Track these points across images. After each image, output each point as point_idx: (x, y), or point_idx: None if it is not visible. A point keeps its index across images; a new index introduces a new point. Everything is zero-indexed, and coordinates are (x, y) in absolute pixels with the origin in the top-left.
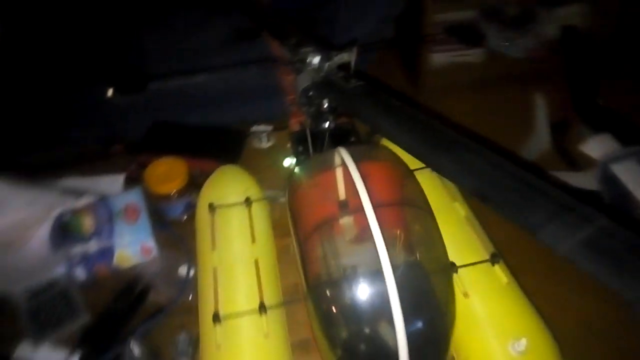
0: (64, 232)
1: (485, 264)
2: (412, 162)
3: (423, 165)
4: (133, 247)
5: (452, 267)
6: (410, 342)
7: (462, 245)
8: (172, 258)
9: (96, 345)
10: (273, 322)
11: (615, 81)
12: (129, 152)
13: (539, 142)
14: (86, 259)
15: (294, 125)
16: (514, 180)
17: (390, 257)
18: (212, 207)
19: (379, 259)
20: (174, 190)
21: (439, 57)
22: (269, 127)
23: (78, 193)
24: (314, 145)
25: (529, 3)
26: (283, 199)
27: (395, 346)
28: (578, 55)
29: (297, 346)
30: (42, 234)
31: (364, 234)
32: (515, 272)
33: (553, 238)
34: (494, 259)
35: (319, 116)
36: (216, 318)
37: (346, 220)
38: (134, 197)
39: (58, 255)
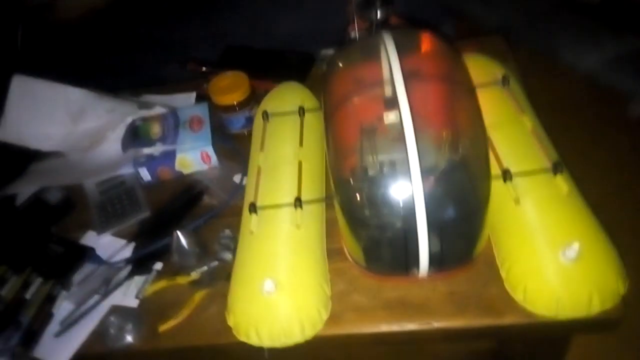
0: (134, 136)
1: (546, 174)
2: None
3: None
4: (193, 153)
5: (506, 174)
6: (430, 239)
7: (523, 156)
8: (229, 167)
9: (150, 237)
10: (308, 216)
11: None
12: (202, 72)
13: None
14: (150, 161)
15: (352, 30)
16: (540, 9)
17: (419, 152)
18: (265, 114)
19: (407, 154)
20: (235, 102)
21: None
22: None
23: (153, 106)
24: None
25: None
26: None
27: (416, 241)
28: None
29: (335, 252)
30: (116, 136)
31: (395, 127)
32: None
33: (579, 56)
34: (556, 169)
35: (367, 4)
36: (252, 208)
37: (376, 109)
38: (200, 110)
39: (126, 156)
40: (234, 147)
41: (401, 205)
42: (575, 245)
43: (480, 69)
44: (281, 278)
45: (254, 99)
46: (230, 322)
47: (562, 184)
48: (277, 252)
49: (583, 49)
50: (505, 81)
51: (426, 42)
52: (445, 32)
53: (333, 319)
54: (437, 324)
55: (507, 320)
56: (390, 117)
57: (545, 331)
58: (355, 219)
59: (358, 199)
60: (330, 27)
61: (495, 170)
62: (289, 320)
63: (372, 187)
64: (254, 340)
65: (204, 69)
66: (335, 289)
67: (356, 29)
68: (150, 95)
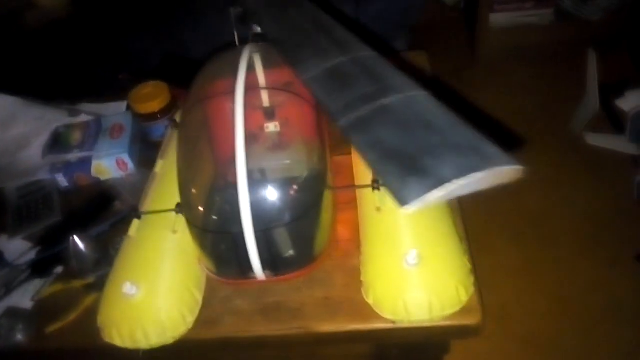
0: (55, 142)
1: None
2: None
3: None
4: (109, 159)
5: (375, 183)
6: (259, 244)
7: None
8: (146, 175)
9: (55, 241)
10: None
11: None
12: (136, 81)
13: (589, 104)
14: (67, 167)
15: None
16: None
17: (247, 158)
18: (175, 123)
19: (236, 158)
20: (156, 110)
21: (501, 17)
22: None
23: (81, 114)
24: None
25: None
26: None
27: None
28: None
29: None
30: (39, 142)
31: (229, 133)
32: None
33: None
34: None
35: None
36: (134, 213)
37: (219, 118)
38: (123, 118)
39: (45, 162)
40: (152, 153)
41: (230, 212)
42: (414, 252)
43: None
44: (147, 281)
45: (175, 107)
46: (98, 323)
47: None
48: (149, 256)
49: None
50: None
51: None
52: (395, 47)
53: (211, 322)
54: (309, 328)
55: (370, 325)
56: (226, 127)
57: (401, 336)
58: (195, 227)
59: (199, 208)
60: None
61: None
62: (149, 323)
63: (209, 194)
64: (117, 341)
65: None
66: (219, 295)
67: (237, 41)
68: (86, 104)
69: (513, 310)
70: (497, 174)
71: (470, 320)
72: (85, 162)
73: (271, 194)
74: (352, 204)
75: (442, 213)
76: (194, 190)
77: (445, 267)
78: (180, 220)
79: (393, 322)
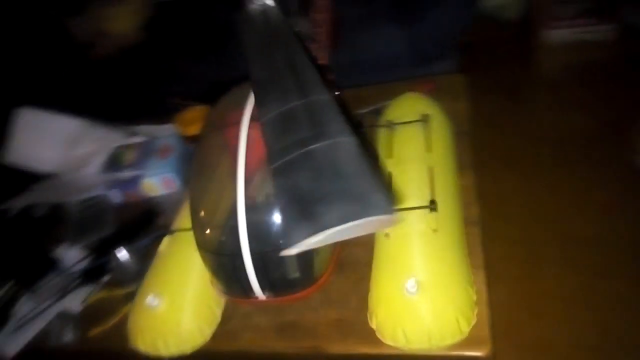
0: (112, 161)
1: (422, 211)
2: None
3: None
4: (157, 178)
5: None
6: (256, 266)
7: (410, 192)
8: None
9: (105, 252)
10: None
11: None
12: (186, 104)
13: None
14: (121, 184)
15: None
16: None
17: (247, 188)
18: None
19: (237, 189)
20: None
21: (560, 34)
22: None
23: (137, 134)
24: None
25: None
26: None
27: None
28: None
29: None
30: (99, 161)
31: (233, 163)
32: None
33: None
34: (431, 206)
35: None
36: (166, 230)
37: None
38: (172, 139)
39: (102, 179)
40: None
41: (230, 236)
42: (413, 280)
43: (408, 108)
44: (170, 295)
45: None
46: (128, 331)
47: (432, 221)
48: (174, 272)
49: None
50: (425, 119)
51: None
52: (444, 69)
53: (230, 335)
54: (320, 348)
55: (378, 350)
56: (230, 156)
57: None
58: (202, 249)
59: (204, 231)
60: None
61: None
62: (169, 333)
63: (214, 221)
64: (141, 347)
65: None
66: (241, 311)
67: None
68: (143, 126)
69: (557, 340)
70: (375, 222)
71: (478, 352)
72: (136, 180)
73: (268, 219)
74: None
75: (453, 242)
76: (201, 214)
77: (446, 296)
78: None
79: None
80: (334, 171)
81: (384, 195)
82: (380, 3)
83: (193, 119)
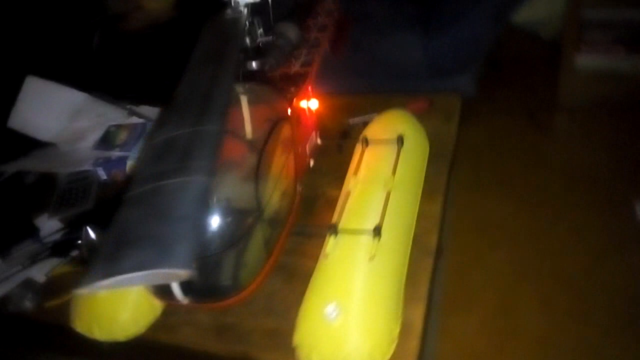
0: (105, 139)
1: (366, 236)
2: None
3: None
4: None
5: (332, 228)
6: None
7: (360, 214)
8: None
9: (78, 227)
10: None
11: None
12: None
13: None
14: (108, 163)
15: None
16: None
17: None
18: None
19: None
20: None
21: (591, 60)
22: None
23: (138, 115)
24: None
25: None
26: None
27: None
28: None
29: None
30: (94, 137)
31: None
32: None
33: None
34: (375, 232)
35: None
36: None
37: None
38: None
39: (93, 155)
40: None
41: None
42: (333, 305)
43: (388, 125)
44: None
45: None
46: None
47: (372, 248)
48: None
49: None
50: (399, 141)
51: (251, 98)
52: (461, 84)
53: (170, 328)
54: (250, 354)
55: None
56: None
57: None
58: None
59: None
60: None
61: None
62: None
63: None
64: (78, 328)
65: None
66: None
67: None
68: (145, 107)
69: None
70: (168, 274)
71: None
72: (123, 161)
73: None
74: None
75: (388, 272)
76: None
77: (364, 327)
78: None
79: None
80: (166, 212)
81: (189, 247)
82: (404, 10)
83: None
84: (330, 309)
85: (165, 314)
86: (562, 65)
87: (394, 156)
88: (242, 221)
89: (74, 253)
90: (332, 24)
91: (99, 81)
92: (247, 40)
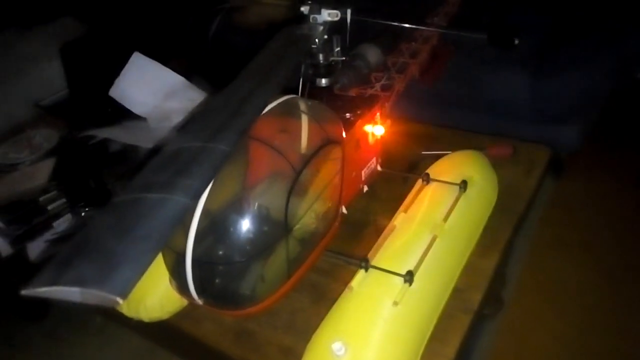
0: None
1: (398, 278)
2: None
3: None
4: None
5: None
6: (194, 276)
7: (398, 255)
8: None
9: None
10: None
11: None
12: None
13: None
14: None
15: None
16: None
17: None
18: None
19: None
20: None
21: None
22: None
23: None
24: None
25: None
26: None
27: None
28: None
29: None
30: (177, 120)
31: None
32: None
33: None
34: (405, 276)
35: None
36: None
37: None
38: None
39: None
40: None
41: (181, 235)
42: (340, 343)
43: (457, 166)
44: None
45: None
46: None
47: (400, 293)
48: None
49: None
50: (463, 185)
51: (306, 115)
52: (565, 135)
53: (193, 319)
54: None
55: None
56: None
57: None
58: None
59: None
60: None
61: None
62: None
63: None
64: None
65: None
66: None
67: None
68: None
69: None
70: (99, 296)
71: None
72: None
73: (221, 229)
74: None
75: (410, 322)
76: None
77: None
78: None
79: None
80: (131, 228)
81: (133, 273)
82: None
83: None
84: (337, 346)
85: (191, 305)
86: None
87: (452, 200)
88: (267, 233)
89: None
90: (426, 51)
91: (206, 69)
92: (320, 57)
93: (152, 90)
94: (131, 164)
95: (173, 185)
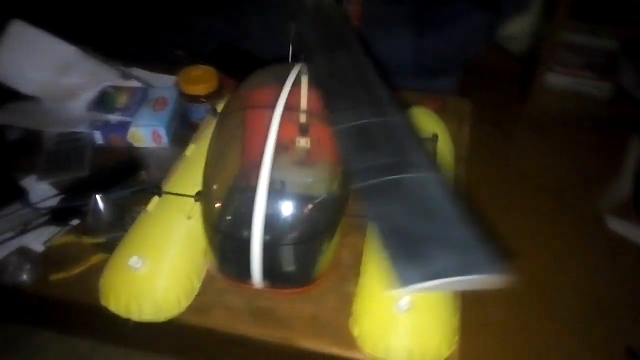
0: (102, 100)
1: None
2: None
3: None
4: (146, 129)
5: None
6: (264, 255)
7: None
8: (177, 152)
9: (78, 195)
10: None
11: None
12: (191, 60)
13: (621, 189)
14: (106, 127)
15: None
16: None
17: (272, 175)
18: (215, 111)
19: (260, 173)
20: (202, 94)
21: (559, 79)
22: None
23: (131, 77)
24: None
25: None
26: None
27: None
28: None
29: None
30: (87, 97)
31: (260, 147)
32: None
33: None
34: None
35: None
36: (157, 190)
37: (254, 131)
38: (168, 93)
39: (89, 117)
40: (189, 134)
41: (244, 217)
42: (407, 299)
43: (418, 123)
44: (153, 259)
45: (219, 95)
46: (99, 285)
47: (195, 208)
48: (160, 236)
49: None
50: (434, 139)
51: None
52: (444, 87)
53: (203, 311)
54: (292, 341)
55: (349, 353)
56: (260, 133)
57: None
58: (208, 222)
59: (216, 205)
60: None
61: None
62: (146, 299)
63: (228, 198)
64: (112, 307)
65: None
66: (215, 286)
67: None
68: (138, 70)
69: None
70: (484, 280)
71: None
72: (124, 126)
73: (287, 209)
74: (362, 230)
75: None
76: (215, 187)
77: (434, 320)
78: (197, 208)
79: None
80: (430, 211)
81: (487, 251)
82: (400, 9)
83: (197, 78)
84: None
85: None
86: (534, 81)
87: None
88: (334, 211)
89: (75, 222)
90: (359, 14)
91: (90, 34)
92: None
93: (42, 65)
94: (40, 153)
95: (409, 163)
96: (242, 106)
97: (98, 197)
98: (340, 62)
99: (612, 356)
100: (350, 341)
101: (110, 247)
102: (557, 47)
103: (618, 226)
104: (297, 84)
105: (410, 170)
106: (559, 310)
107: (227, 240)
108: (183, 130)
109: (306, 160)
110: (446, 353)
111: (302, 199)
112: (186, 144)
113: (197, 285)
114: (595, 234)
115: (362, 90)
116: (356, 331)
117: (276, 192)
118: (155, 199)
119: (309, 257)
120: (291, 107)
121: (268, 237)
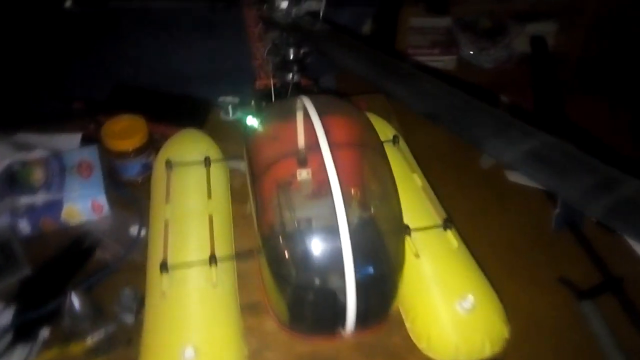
0: (12, 182)
1: (437, 229)
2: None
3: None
4: (83, 202)
5: (406, 229)
6: (358, 297)
7: (417, 212)
8: (124, 217)
9: (34, 299)
10: (223, 274)
11: (577, 95)
12: (89, 111)
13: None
14: (32, 211)
15: (260, 86)
16: (462, 103)
17: (346, 211)
18: (169, 164)
19: (335, 212)
20: (131, 148)
21: (415, 60)
22: (236, 99)
23: (32, 147)
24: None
25: (501, 17)
26: (244, 168)
27: (344, 299)
28: (545, 64)
29: (247, 307)
30: None
31: (322, 185)
32: None
33: (498, 150)
34: (446, 224)
35: (284, 67)
36: (164, 267)
37: (304, 171)
38: (89, 154)
39: (2, 206)
40: (127, 193)
41: (329, 263)
42: (470, 298)
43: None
44: (199, 343)
45: (151, 145)
46: None
47: (451, 238)
48: (193, 314)
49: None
50: (395, 140)
51: (343, 108)
52: (326, 86)
53: None
54: None
55: None
56: (315, 178)
57: None
58: (282, 276)
59: (286, 256)
60: (221, 71)
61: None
62: None
63: (302, 245)
64: None
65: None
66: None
67: (272, 88)
68: (27, 135)
69: None
70: None
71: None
72: (54, 206)
73: (370, 242)
74: None
75: (469, 257)
76: (284, 241)
77: (494, 308)
78: (216, 272)
79: None
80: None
81: None
82: None
83: (124, 131)
84: (466, 302)
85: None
86: None
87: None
88: (401, 232)
89: (45, 333)
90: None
91: None
92: None
93: None
94: None
95: (615, 178)
96: (277, 154)
97: (73, 293)
98: (430, 91)
99: (543, 287)
100: (401, 352)
101: (105, 348)
102: (407, 32)
103: (515, 177)
104: (307, 116)
105: (619, 187)
106: (482, 262)
107: (312, 292)
108: (118, 192)
109: (365, 195)
110: (507, 333)
111: (376, 227)
112: (129, 206)
113: (247, 352)
114: (490, 188)
115: (486, 116)
116: (424, 343)
117: (355, 228)
118: (165, 277)
119: (394, 287)
120: (334, 147)
121: (360, 279)
